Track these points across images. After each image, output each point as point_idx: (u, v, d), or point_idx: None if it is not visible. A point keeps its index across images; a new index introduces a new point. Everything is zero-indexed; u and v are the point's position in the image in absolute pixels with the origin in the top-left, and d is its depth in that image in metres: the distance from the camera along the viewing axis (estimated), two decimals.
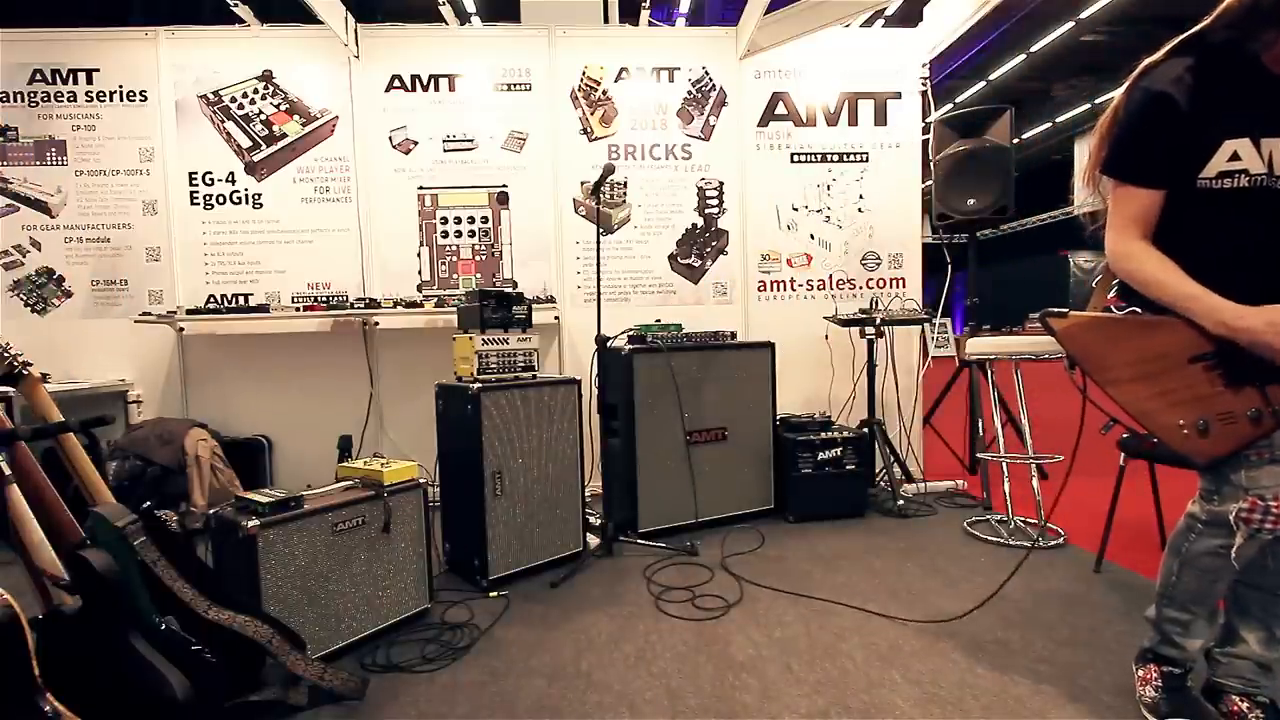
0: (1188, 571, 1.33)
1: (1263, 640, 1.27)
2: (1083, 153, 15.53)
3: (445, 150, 3.36)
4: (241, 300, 3.27)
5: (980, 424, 3.31)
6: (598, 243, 2.68)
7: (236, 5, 3.09)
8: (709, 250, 3.51)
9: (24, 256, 3.21)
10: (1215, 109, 1.16)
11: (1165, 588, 1.37)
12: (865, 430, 3.06)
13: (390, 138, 3.33)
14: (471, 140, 3.36)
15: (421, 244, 3.37)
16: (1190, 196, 1.21)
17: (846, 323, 3.10)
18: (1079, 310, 1.33)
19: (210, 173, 3.27)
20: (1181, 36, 1.22)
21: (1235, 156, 1.16)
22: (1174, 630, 1.36)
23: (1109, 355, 1.30)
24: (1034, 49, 10.54)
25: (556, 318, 3.37)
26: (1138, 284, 1.25)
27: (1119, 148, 1.27)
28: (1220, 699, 1.32)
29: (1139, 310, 1.29)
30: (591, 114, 3.42)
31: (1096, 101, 13.55)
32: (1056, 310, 1.34)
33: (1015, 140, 3.25)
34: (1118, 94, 1.29)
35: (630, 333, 2.79)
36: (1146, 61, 1.25)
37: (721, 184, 3.49)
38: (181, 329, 3.20)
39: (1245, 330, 1.12)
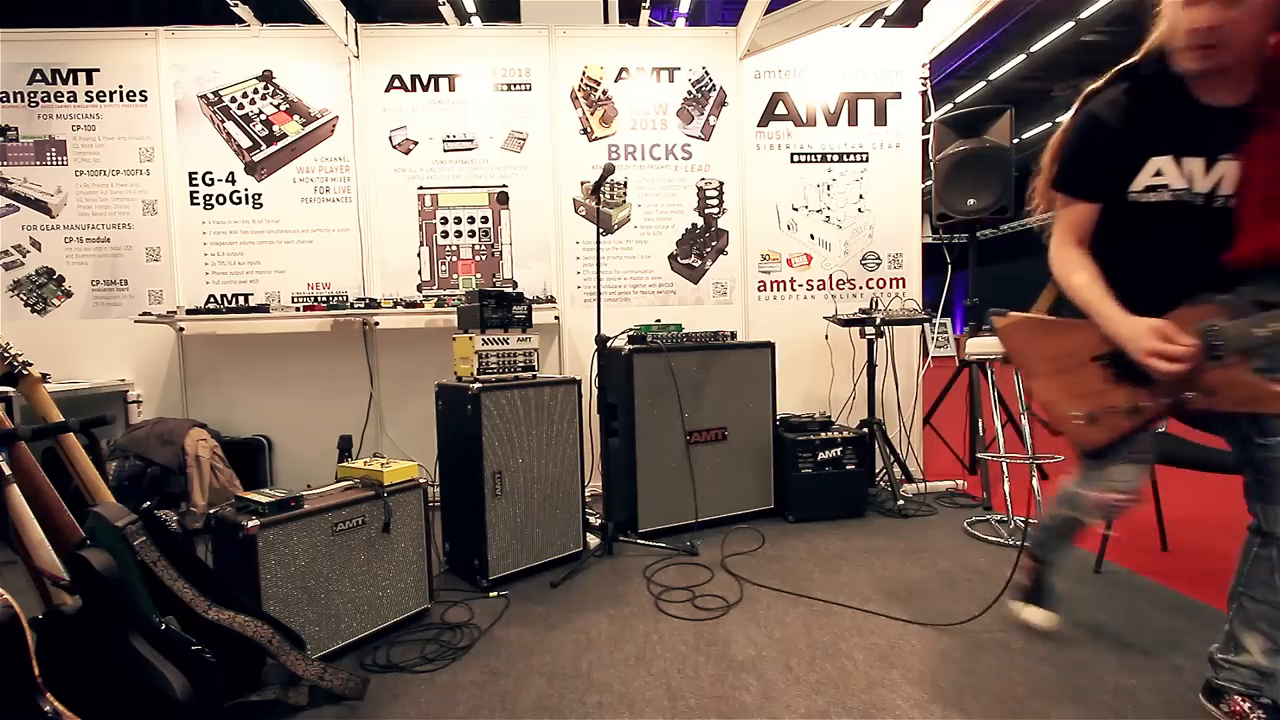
0: (1050, 530, 1.69)
1: (1267, 651, 1.30)
2: None
3: (445, 150, 3.36)
4: (241, 300, 3.27)
5: (980, 424, 3.31)
6: (598, 243, 2.68)
7: (236, 5, 3.09)
8: (709, 250, 3.51)
9: (24, 256, 3.22)
10: (1142, 130, 1.28)
11: (1044, 524, 1.71)
12: (865, 430, 3.06)
13: (390, 138, 3.33)
14: (471, 140, 3.36)
15: (421, 244, 3.38)
16: (1121, 209, 1.33)
17: (846, 323, 3.10)
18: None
19: (210, 173, 3.27)
20: (1118, 67, 1.35)
21: (1159, 173, 1.28)
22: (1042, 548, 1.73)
23: (1031, 351, 1.49)
24: (1034, 49, 10.53)
25: (556, 318, 3.37)
26: (1063, 287, 1.40)
27: (1061, 164, 1.41)
28: (1222, 699, 1.35)
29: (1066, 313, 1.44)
30: (591, 114, 3.42)
31: None
32: (999, 310, 1.55)
33: (1015, 140, 3.25)
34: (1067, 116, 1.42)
35: (630, 333, 2.79)
36: (1089, 88, 1.38)
37: (721, 184, 3.49)
38: (181, 329, 3.20)
39: (1117, 338, 1.30)
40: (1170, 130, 1.27)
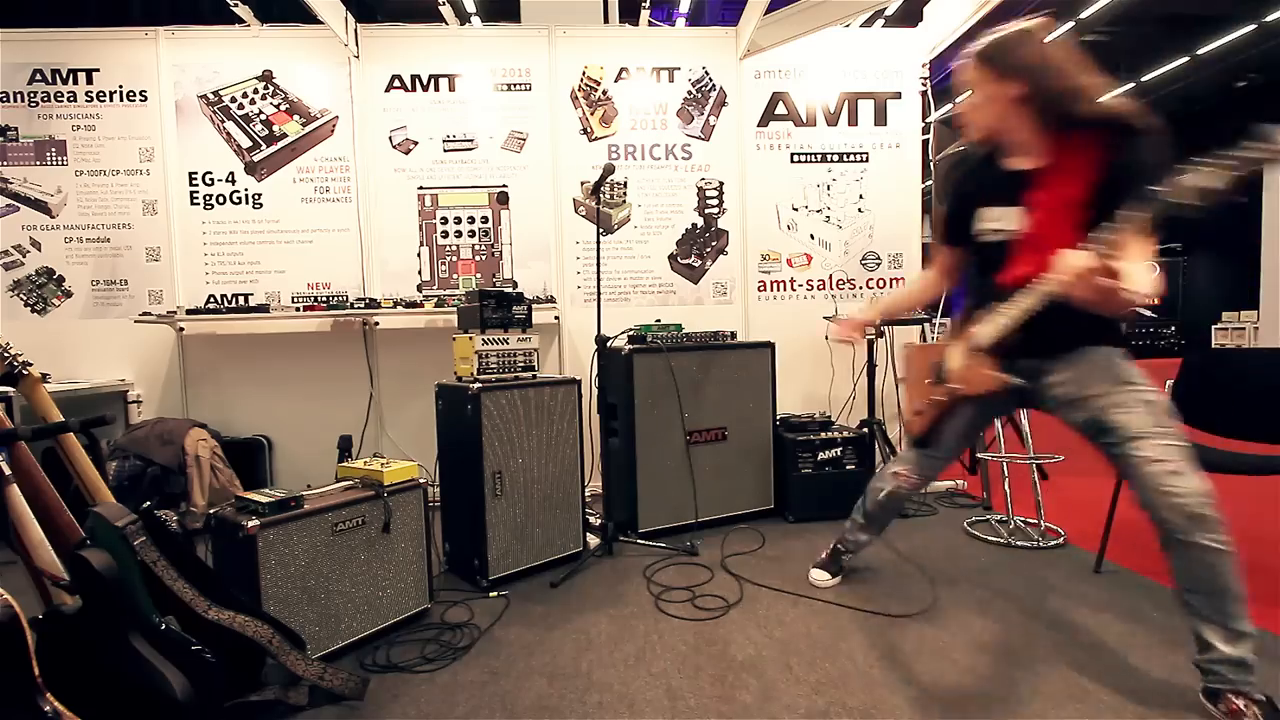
0: (866, 495, 2.09)
1: (1225, 638, 1.36)
2: None
3: (445, 150, 3.36)
4: (241, 300, 3.27)
5: None
6: (598, 243, 2.68)
7: (236, 5, 3.09)
8: (709, 250, 3.51)
9: (24, 256, 3.22)
10: (968, 190, 1.71)
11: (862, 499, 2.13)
12: (865, 430, 3.06)
13: (390, 138, 3.33)
14: (471, 140, 3.36)
15: (421, 244, 3.37)
16: (972, 248, 1.70)
17: None
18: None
19: (210, 173, 3.27)
20: (959, 147, 1.89)
21: (986, 219, 1.63)
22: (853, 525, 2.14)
23: (910, 370, 1.97)
24: None
25: (556, 318, 3.37)
26: None
27: (937, 224, 1.88)
28: (1219, 700, 1.39)
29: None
30: (591, 114, 3.42)
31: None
32: (908, 343, 2.10)
33: None
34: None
35: (630, 333, 2.79)
36: (943, 165, 1.94)
37: (721, 184, 3.49)
38: (181, 329, 3.20)
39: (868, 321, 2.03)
40: (988, 187, 1.64)
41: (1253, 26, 9.57)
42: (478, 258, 3.40)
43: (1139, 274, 1.26)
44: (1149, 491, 1.37)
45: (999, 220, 1.60)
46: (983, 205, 1.63)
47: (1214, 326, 11.38)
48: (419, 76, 3.33)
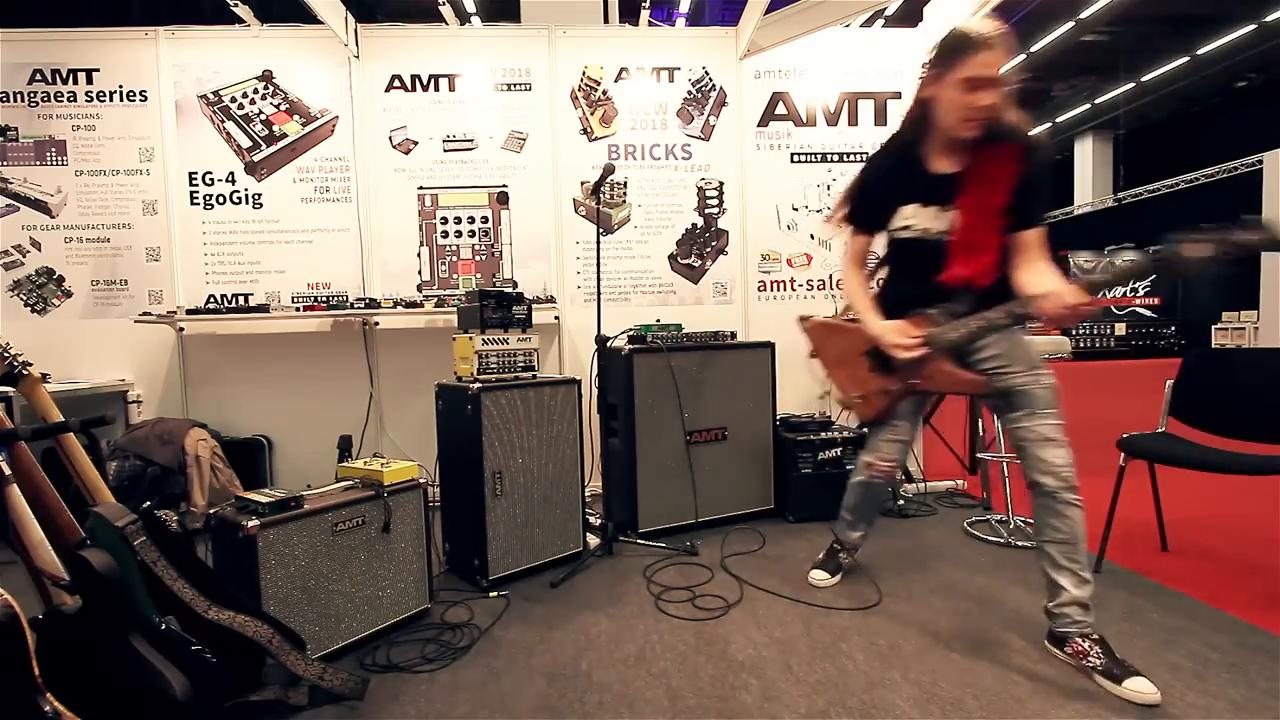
0: (849, 490, 2.15)
1: (1075, 582, 1.61)
2: (1083, 152, 15.71)
3: (445, 150, 3.36)
4: (241, 300, 3.27)
5: (980, 424, 3.31)
6: (598, 243, 2.68)
7: (236, 5, 3.09)
8: (709, 250, 3.51)
9: (24, 256, 3.22)
10: (890, 184, 1.78)
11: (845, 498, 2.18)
12: (865, 430, 3.05)
13: (390, 138, 3.33)
14: (471, 140, 3.37)
15: (421, 244, 3.38)
16: (889, 242, 1.83)
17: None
18: None
19: (210, 173, 3.27)
20: (891, 136, 1.85)
21: (908, 217, 1.74)
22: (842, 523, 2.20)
23: (825, 347, 2.05)
24: (1034, 49, 10.54)
25: (556, 318, 3.37)
26: (845, 297, 1.93)
27: (847, 205, 1.89)
28: (1065, 644, 1.62)
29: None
30: (591, 114, 3.42)
31: (1096, 101, 13.56)
32: (805, 315, 2.16)
33: None
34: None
35: (630, 333, 2.79)
36: (872, 154, 1.89)
37: (721, 184, 3.49)
38: (181, 329, 3.20)
39: (871, 334, 1.80)
40: (911, 185, 1.73)
41: (1253, 26, 9.57)
42: (478, 258, 3.40)
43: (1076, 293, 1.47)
44: (1033, 459, 1.62)
45: (920, 220, 1.72)
46: (904, 203, 1.73)
47: (1214, 326, 11.38)
48: (419, 76, 3.33)
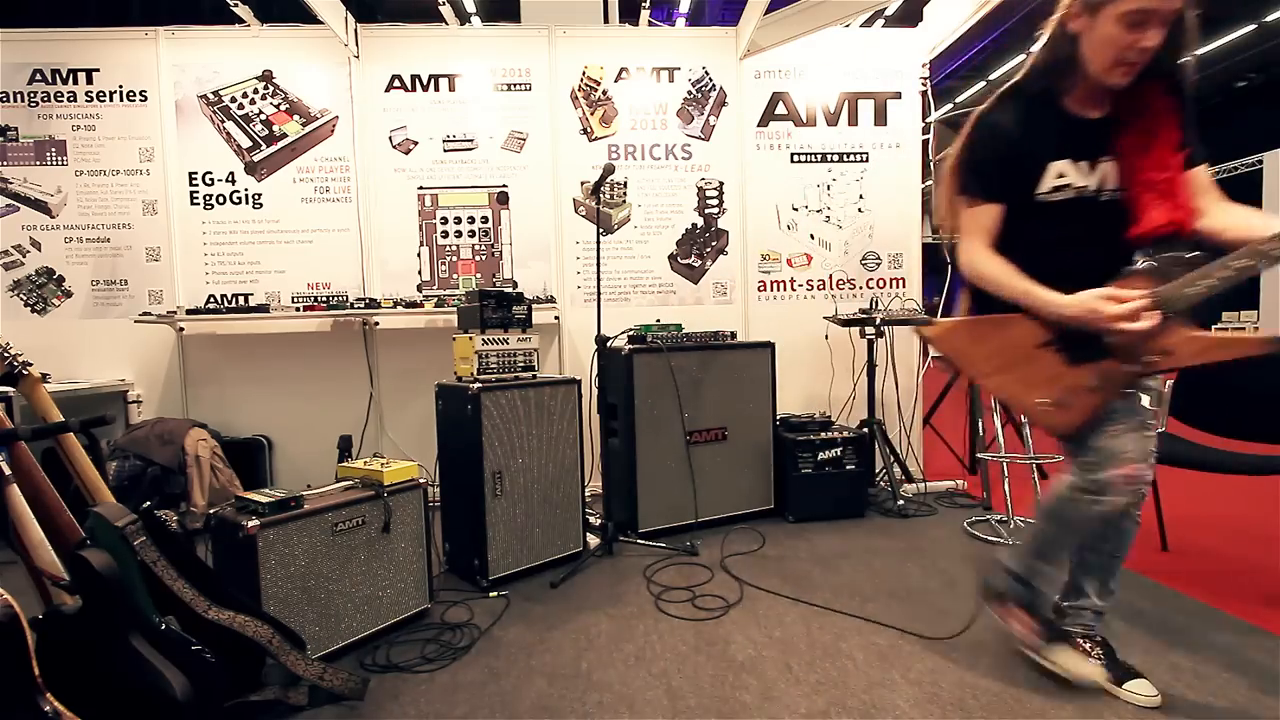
0: (1061, 529, 1.53)
1: (1099, 591, 1.56)
2: None
3: (445, 150, 3.36)
4: (241, 300, 3.27)
5: (980, 424, 3.31)
6: (598, 243, 2.68)
7: (236, 5, 3.09)
8: (709, 250, 3.51)
9: (24, 256, 3.22)
10: (1035, 139, 1.45)
11: (1039, 536, 1.58)
12: (865, 430, 3.06)
13: (390, 138, 3.33)
14: (471, 140, 3.36)
15: (421, 244, 3.37)
16: (1028, 210, 1.46)
17: (846, 323, 3.10)
18: None
19: (210, 173, 3.27)
20: (1006, 87, 1.51)
21: (1061, 174, 1.44)
22: (1043, 582, 1.60)
23: (973, 353, 1.56)
24: (1034, 49, 10.53)
25: (556, 318, 3.37)
26: (986, 285, 1.48)
27: (966, 172, 1.53)
28: (1067, 643, 1.57)
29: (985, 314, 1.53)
30: (591, 114, 3.42)
31: None
32: (924, 318, 1.76)
33: None
34: (956, 143, 1.56)
35: (630, 333, 2.79)
36: (979, 110, 1.52)
37: (721, 184, 3.49)
38: (181, 329, 3.20)
39: (1070, 315, 1.37)
40: (1060, 138, 1.44)
41: (1253, 26, 9.57)
42: (478, 258, 3.40)
43: None
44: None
45: (1076, 176, 1.43)
46: (1054, 158, 1.44)
47: (1214, 326, 11.39)
48: (419, 76, 3.33)
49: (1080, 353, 1.42)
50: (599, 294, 2.68)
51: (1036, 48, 1.47)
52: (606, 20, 3.66)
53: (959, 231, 1.55)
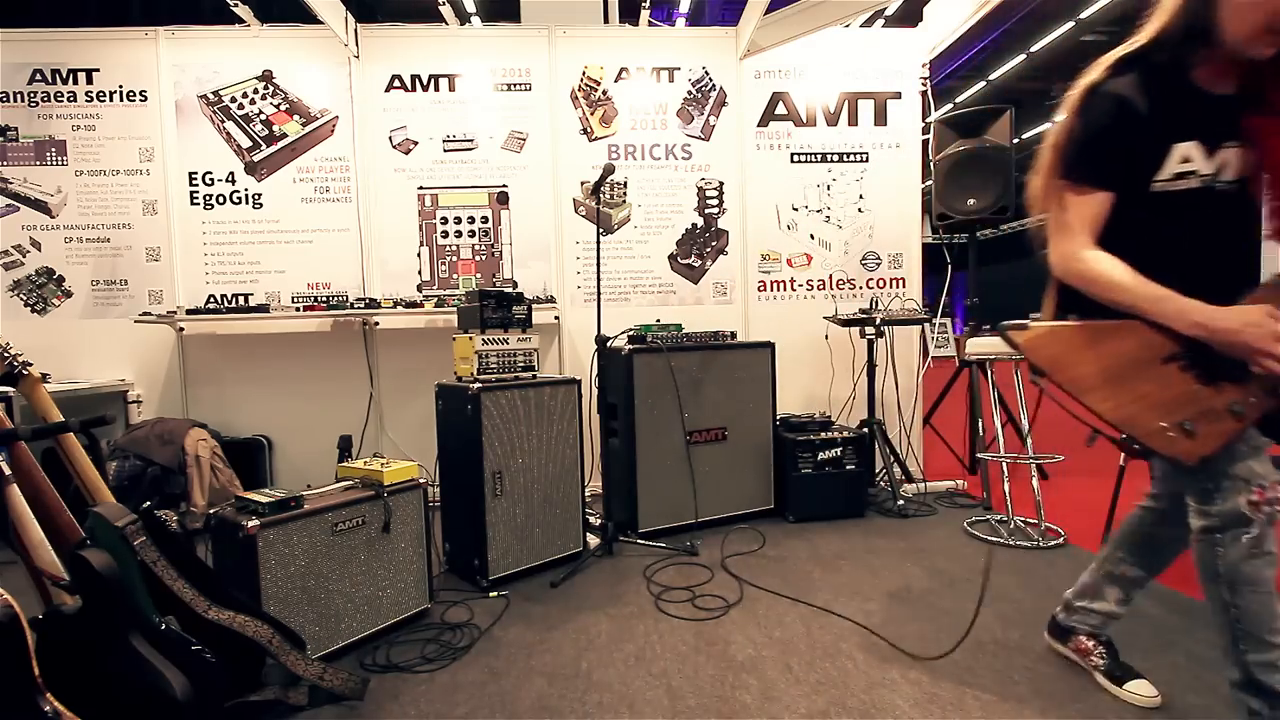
0: (1242, 591, 1.23)
1: (1120, 600, 1.54)
2: None
3: (445, 150, 3.36)
4: (241, 300, 3.27)
5: (980, 424, 3.31)
6: (598, 243, 2.68)
7: (236, 5, 3.09)
8: (709, 250, 3.51)
9: (24, 256, 3.22)
10: (1164, 118, 1.22)
11: (1235, 622, 1.25)
12: (865, 430, 3.06)
13: (390, 138, 3.33)
14: (471, 140, 3.37)
15: (421, 244, 3.38)
16: (1141, 200, 1.25)
17: (846, 323, 3.10)
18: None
19: (210, 173, 3.27)
20: (1120, 55, 1.27)
21: (1186, 159, 1.22)
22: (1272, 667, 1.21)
23: (1077, 364, 1.28)
24: (1034, 49, 10.53)
25: (556, 318, 3.37)
26: (1097, 287, 1.25)
27: (1078, 152, 1.29)
28: (1069, 638, 1.58)
29: (1077, 318, 1.30)
30: (591, 114, 3.42)
31: None
32: (1015, 323, 1.33)
33: (1015, 140, 3.25)
34: (1060, 119, 1.34)
35: (630, 333, 2.79)
36: (1090, 79, 1.29)
37: (721, 184, 3.49)
38: (181, 329, 3.20)
39: (1224, 331, 1.14)
40: (1190, 117, 1.22)
41: None
42: (478, 258, 3.40)
43: None
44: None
45: (1202, 161, 1.23)
46: (1179, 140, 1.23)
47: None
48: (419, 76, 3.33)
49: (1214, 372, 1.20)
50: (599, 294, 2.68)
51: (1156, 10, 1.24)
52: (606, 20, 3.66)
53: (1055, 223, 1.32)
